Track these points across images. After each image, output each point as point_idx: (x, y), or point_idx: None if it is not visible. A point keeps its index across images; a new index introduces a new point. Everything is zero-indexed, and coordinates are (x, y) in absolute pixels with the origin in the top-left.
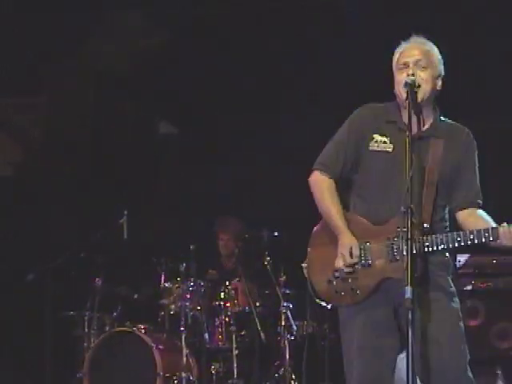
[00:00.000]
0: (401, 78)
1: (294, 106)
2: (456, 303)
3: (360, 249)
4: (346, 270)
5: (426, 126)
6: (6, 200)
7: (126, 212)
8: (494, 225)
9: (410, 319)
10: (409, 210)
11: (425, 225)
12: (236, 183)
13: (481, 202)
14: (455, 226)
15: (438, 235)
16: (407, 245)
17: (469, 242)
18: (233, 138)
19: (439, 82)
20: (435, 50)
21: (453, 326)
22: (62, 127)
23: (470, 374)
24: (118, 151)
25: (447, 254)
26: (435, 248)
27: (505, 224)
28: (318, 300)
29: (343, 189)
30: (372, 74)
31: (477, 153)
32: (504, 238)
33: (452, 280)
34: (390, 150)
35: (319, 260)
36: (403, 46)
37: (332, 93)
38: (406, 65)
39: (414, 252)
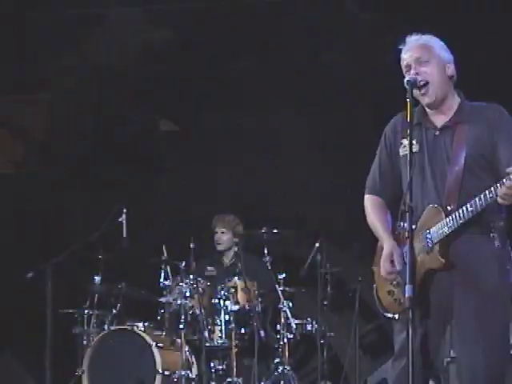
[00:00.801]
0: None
1: (294, 106)
2: (491, 296)
3: (402, 253)
4: (390, 277)
5: (450, 115)
6: (6, 198)
7: (125, 210)
8: None
9: (411, 318)
10: (409, 209)
11: (449, 207)
12: (236, 182)
13: None
14: None
15: (456, 212)
16: (408, 241)
17: (479, 208)
18: (233, 136)
19: (450, 69)
20: (434, 40)
21: (476, 322)
22: (62, 125)
23: None
24: (119, 149)
25: (485, 241)
26: (456, 225)
27: None
28: (386, 314)
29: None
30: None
31: (509, 123)
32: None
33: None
34: (416, 150)
35: (380, 276)
36: (403, 50)
37: (333, 94)
38: (409, 67)
39: (444, 236)
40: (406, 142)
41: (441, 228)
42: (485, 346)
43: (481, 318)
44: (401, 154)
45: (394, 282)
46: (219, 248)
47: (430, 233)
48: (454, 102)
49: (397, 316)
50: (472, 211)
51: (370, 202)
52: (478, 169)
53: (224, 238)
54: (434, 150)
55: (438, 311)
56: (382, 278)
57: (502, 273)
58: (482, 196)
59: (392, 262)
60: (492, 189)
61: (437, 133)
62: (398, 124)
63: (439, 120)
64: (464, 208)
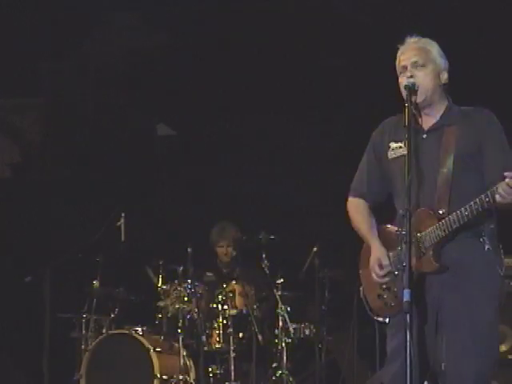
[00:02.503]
0: (402, 81)
1: (294, 110)
2: (485, 298)
3: (389, 257)
4: (381, 280)
5: (437, 118)
6: (4, 202)
7: (123, 214)
8: None
9: (408, 323)
10: (407, 214)
11: (440, 211)
12: (234, 186)
13: None
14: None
15: (449, 216)
16: (407, 245)
17: (474, 212)
18: (231, 140)
19: (444, 76)
20: (433, 45)
21: (472, 325)
22: (60, 129)
23: None
24: (117, 153)
25: (477, 245)
26: (449, 229)
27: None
28: (376, 317)
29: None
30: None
31: (501, 129)
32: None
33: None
34: (405, 152)
35: (368, 278)
36: (401, 49)
37: (334, 99)
38: (405, 68)
39: (437, 240)
40: (394, 145)
41: (433, 232)
42: (474, 349)
43: (471, 320)
44: (389, 157)
45: (384, 286)
46: (225, 260)
47: (421, 237)
48: (442, 106)
49: (387, 320)
50: (467, 215)
51: (354, 204)
52: (466, 170)
53: (228, 251)
54: (422, 152)
55: (430, 314)
56: (370, 281)
57: (492, 276)
58: (478, 200)
59: (380, 265)
60: (489, 193)
61: (424, 136)
62: (386, 127)
63: (427, 123)
64: (459, 212)
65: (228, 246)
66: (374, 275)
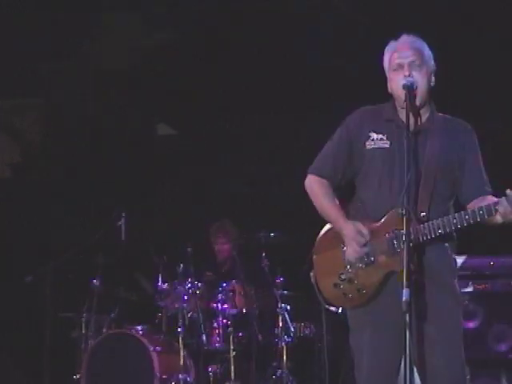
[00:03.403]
0: (397, 78)
1: (294, 109)
2: (457, 301)
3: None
4: (361, 250)
5: (423, 120)
6: (4, 202)
7: (123, 214)
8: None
9: (408, 322)
10: (405, 212)
11: (422, 214)
12: (234, 184)
13: (490, 190)
14: None
15: (433, 221)
16: (405, 245)
17: (465, 223)
18: (231, 140)
19: (433, 78)
20: (426, 47)
21: (452, 325)
22: (60, 129)
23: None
24: (117, 153)
25: (448, 250)
26: (432, 235)
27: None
28: (327, 306)
29: (348, 199)
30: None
31: (478, 146)
32: (502, 209)
33: (454, 278)
34: (387, 145)
35: (325, 265)
36: (394, 46)
37: (333, 95)
38: (401, 65)
39: (411, 243)
40: (375, 135)
41: (414, 234)
42: (447, 348)
43: (442, 320)
44: (367, 146)
45: (343, 276)
46: (223, 257)
47: (396, 236)
48: (428, 109)
49: (340, 310)
50: (455, 223)
51: (318, 183)
52: (446, 179)
53: (225, 247)
54: (406, 150)
55: (396, 312)
56: (326, 267)
57: (455, 281)
58: (477, 210)
59: (361, 233)
60: (484, 208)
61: (409, 134)
62: (364, 116)
63: (412, 123)
64: (446, 219)
65: (226, 243)
66: (353, 251)
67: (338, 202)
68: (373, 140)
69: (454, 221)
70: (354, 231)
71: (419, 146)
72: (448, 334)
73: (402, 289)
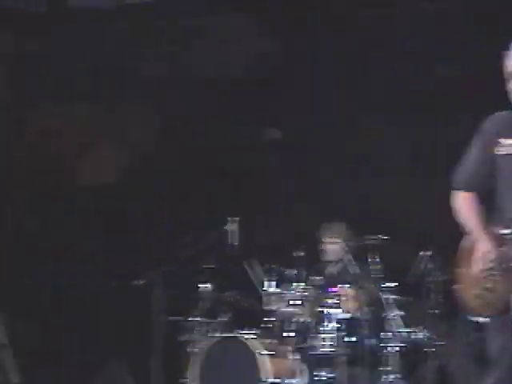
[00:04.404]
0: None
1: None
2: None
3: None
4: (482, 274)
5: None
6: (112, 207)
7: (229, 218)
8: None
9: None
10: None
11: None
12: (344, 189)
13: None
14: None
15: None
16: None
17: None
18: (335, 142)
19: None
20: None
21: None
22: (167, 136)
23: None
24: (228, 160)
25: None
26: None
27: None
28: (473, 317)
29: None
30: None
31: None
32: None
33: None
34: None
35: (467, 278)
36: (509, 55)
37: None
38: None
39: None
40: (504, 141)
41: None
42: None
43: None
44: (499, 153)
45: (487, 285)
46: (327, 258)
47: None
48: None
49: (486, 319)
50: None
51: (466, 200)
52: None
53: (333, 247)
54: None
55: None
56: (469, 280)
57: None
58: None
59: (486, 260)
60: None
61: None
62: (496, 123)
63: None
64: None
65: (335, 243)
66: (475, 268)
67: (476, 214)
68: (503, 146)
69: None
70: (484, 254)
71: None
72: None
73: None
